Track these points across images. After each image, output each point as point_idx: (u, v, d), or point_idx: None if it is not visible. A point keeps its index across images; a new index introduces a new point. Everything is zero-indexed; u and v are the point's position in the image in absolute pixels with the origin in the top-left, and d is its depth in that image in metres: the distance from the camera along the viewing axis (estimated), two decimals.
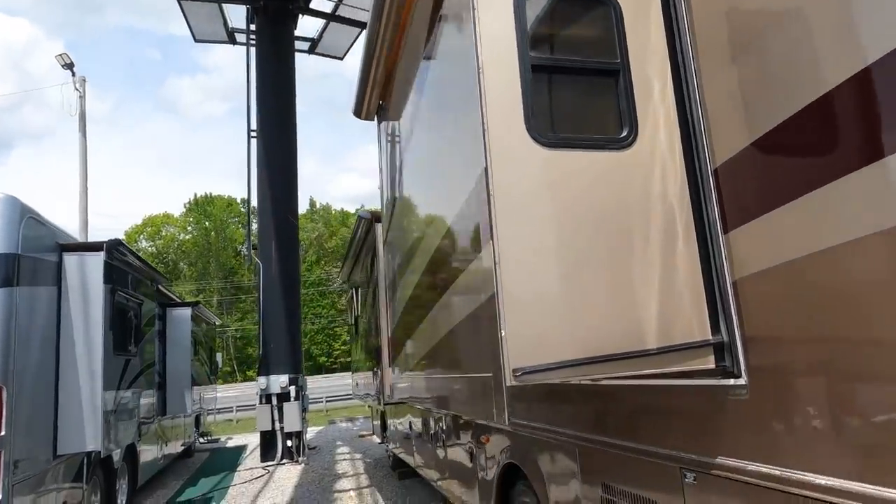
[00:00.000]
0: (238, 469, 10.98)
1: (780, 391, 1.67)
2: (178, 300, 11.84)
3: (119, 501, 7.44)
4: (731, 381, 1.79)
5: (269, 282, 12.30)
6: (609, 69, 2.03)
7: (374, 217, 6.59)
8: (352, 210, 70.66)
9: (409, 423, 7.13)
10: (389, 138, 3.81)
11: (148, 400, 8.48)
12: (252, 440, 15.45)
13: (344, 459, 11.19)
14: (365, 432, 14.94)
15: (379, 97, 4.24)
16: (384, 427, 9.91)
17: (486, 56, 1.93)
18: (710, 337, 1.82)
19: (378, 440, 10.80)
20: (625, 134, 1.93)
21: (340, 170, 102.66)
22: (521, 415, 3.06)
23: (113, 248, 6.01)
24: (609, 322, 1.83)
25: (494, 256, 1.71)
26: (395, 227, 3.61)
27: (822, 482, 1.52)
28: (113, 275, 6.10)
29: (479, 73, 1.93)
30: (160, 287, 9.57)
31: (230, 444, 15.43)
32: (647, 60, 2.01)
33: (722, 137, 1.85)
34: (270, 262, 12.37)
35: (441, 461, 5.64)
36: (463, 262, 2.05)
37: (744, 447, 1.75)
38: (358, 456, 11.50)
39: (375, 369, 6.60)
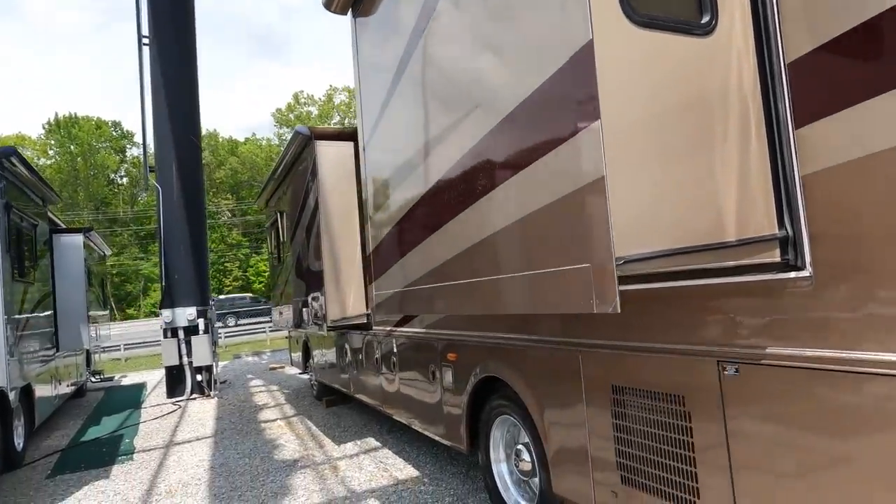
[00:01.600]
0: (143, 406, 10.33)
1: (844, 281, 1.75)
2: (63, 226, 10.57)
3: (16, 444, 6.74)
4: (794, 274, 1.85)
5: (170, 208, 11.29)
6: None
7: (315, 134, 6.13)
8: (241, 139, 66.24)
9: (346, 349, 7.00)
10: (380, 32, 3.45)
11: (45, 333, 7.62)
12: (150, 378, 14.61)
13: (260, 391, 10.89)
14: (276, 364, 14.60)
15: None
16: (307, 357, 9.71)
17: None
18: (777, 231, 1.86)
19: (298, 371, 10.59)
20: (706, 20, 1.85)
21: (228, 94, 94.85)
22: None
23: (5, 159, 5.11)
24: (690, 214, 1.80)
25: (601, 136, 1.59)
26: (392, 130, 3.33)
27: (889, 358, 1.63)
28: (7, 189, 5.23)
29: None
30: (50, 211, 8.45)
31: (124, 382, 14.46)
32: None
33: (796, 34, 1.83)
34: (172, 188, 11.32)
35: (390, 384, 5.61)
36: (545, 147, 1.90)
37: (805, 334, 1.83)
38: (274, 388, 11.23)
39: (315, 295, 6.33)
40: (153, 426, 8.49)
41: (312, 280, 6.57)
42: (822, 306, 1.79)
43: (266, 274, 58.35)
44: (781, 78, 1.87)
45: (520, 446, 3.72)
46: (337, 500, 4.69)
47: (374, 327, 6.04)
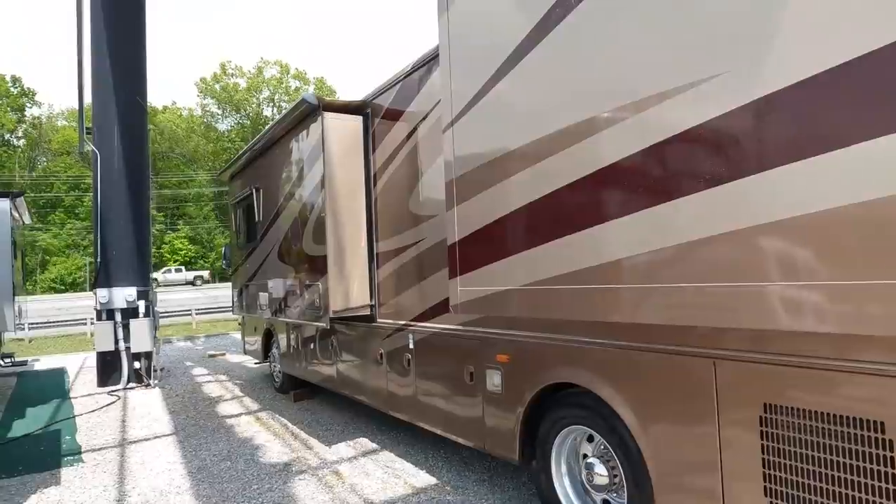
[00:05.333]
0: (73, 396, 9.19)
1: None
2: None
3: None
4: None
5: (109, 175, 10.10)
6: None
7: (324, 104, 5.51)
8: (159, 107, 61.74)
9: (333, 341, 6.44)
10: None
11: None
12: (68, 362, 13.19)
13: (207, 381, 10.00)
14: (215, 351, 13.59)
15: None
16: (268, 346, 8.99)
17: None
18: None
19: (255, 361, 9.82)
20: None
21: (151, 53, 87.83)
22: None
23: None
24: None
25: None
26: (514, 105, 2.85)
27: None
28: None
29: None
30: None
31: (38, 366, 12.94)
32: None
33: None
34: (113, 153, 10.12)
35: (401, 384, 5.16)
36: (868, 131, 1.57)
37: None
38: (222, 377, 10.37)
39: (313, 282, 5.73)
40: (93, 420, 7.53)
41: (308, 265, 5.96)
42: None
43: (182, 253, 55.09)
44: None
45: (591, 460, 3.43)
46: None
47: (378, 320, 5.56)
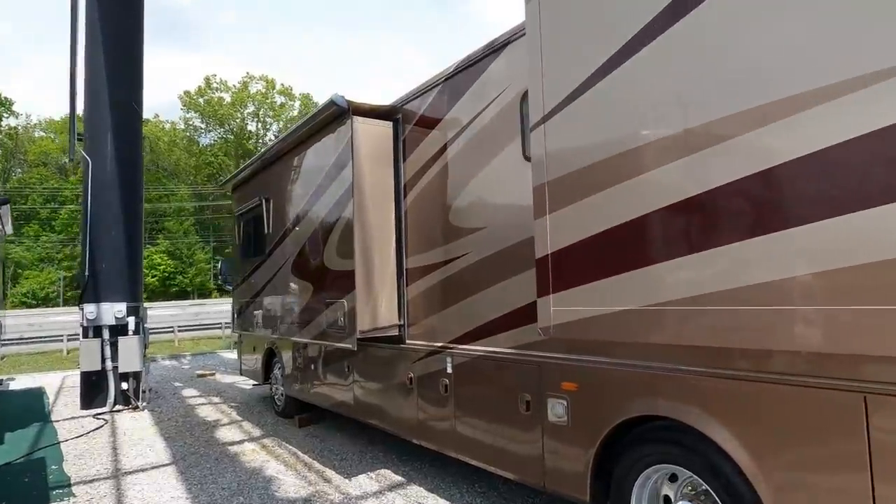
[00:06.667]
0: (54, 420, 8.53)
1: None
2: None
3: None
4: None
5: (100, 184, 9.56)
6: None
7: (354, 108, 5.13)
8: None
9: (347, 363, 5.98)
10: None
11: None
12: (46, 382, 12.42)
13: (201, 404, 9.40)
14: (205, 371, 12.93)
15: None
16: (269, 367, 8.46)
17: None
18: None
19: (254, 383, 9.25)
20: None
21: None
22: None
23: None
24: None
25: None
26: (636, 96, 2.49)
27: None
28: None
29: None
30: None
31: (13, 386, 12.15)
32: None
33: None
34: (105, 159, 9.59)
35: (436, 411, 4.73)
36: None
37: None
38: (216, 399, 9.77)
39: (337, 299, 5.29)
40: (80, 447, 6.92)
41: (330, 281, 5.52)
42: None
43: (161, 268, 53.84)
44: None
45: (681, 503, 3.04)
46: None
47: (408, 341, 5.14)
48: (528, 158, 3.75)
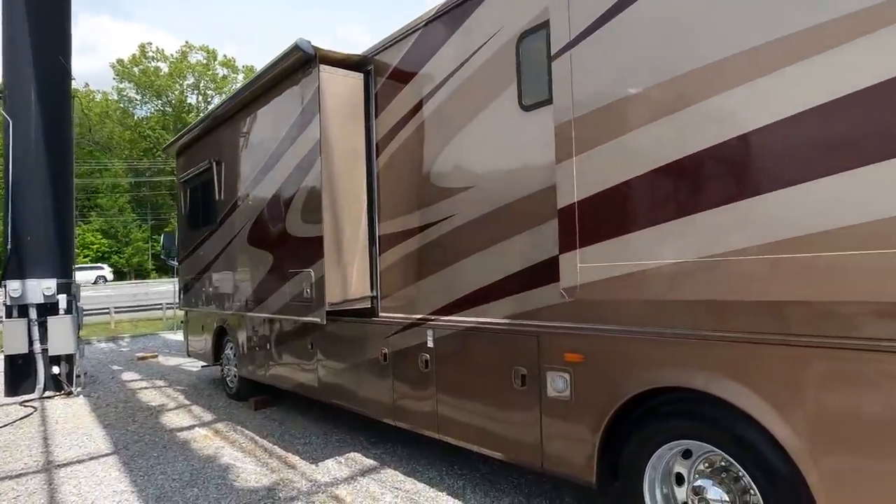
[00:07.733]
0: None
1: None
2: None
3: None
4: None
5: (24, 147, 8.57)
6: None
7: (322, 57, 4.59)
8: None
9: (310, 340, 5.50)
10: None
11: None
12: None
13: (143, 388, 8.68)
14: (145, 353, 12.06)
15: None
16: (219, 347, 7.85)
17: None
18: None
19: (203, 364, 8.60)
20: None
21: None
22: None
23: None
24: None
25: None
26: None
27: None
28: None
29: None
30: None
31: None
32: None
33: None
34: (29, 121, 8.60)
35: (415, 390, 4.35)
36: None
37: None
38: (159, 382, 9.06)
39: (302, 270, 4.80)
40: (5, 438, 6.19)
41: (293, 250, 5.00)
42: None
43: (95, 247, 50.96)
44: None
45: (701, 482, 2.78)
46: None
47: (381, 314, 4.72)
48: (525, 107, 3.39)
